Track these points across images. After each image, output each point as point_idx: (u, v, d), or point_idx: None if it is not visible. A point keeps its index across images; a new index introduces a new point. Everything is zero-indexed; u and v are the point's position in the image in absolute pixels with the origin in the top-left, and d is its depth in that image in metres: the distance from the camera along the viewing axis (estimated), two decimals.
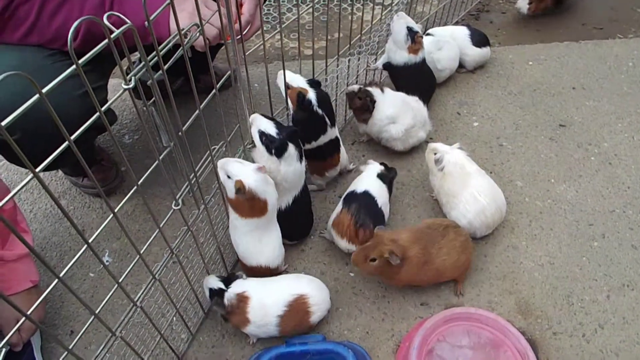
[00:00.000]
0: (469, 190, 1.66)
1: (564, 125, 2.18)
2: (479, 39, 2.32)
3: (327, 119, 1.69)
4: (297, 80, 1.64)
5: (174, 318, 1.56)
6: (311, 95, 1.63)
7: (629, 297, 1.63)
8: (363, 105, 1.88)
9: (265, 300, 1.43)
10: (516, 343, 1.43)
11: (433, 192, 1.84)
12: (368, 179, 1.69)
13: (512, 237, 1.78)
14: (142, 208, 1.86)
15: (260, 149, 1.50)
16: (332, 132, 1.75)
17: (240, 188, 1.34)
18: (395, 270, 1.48)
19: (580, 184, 1.96)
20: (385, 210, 1.69)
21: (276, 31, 1.40)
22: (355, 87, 1.89)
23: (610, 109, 2.26)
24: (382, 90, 1.89)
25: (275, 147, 1.48)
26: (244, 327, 1.44)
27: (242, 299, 1.42)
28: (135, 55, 0.91)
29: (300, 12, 1.53)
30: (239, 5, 1.39)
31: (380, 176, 1.70)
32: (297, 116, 1.66)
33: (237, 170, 1.35)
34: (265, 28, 1.54)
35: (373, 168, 1.72)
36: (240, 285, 1.44)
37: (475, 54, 2.33)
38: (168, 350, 1.43)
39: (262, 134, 1.49)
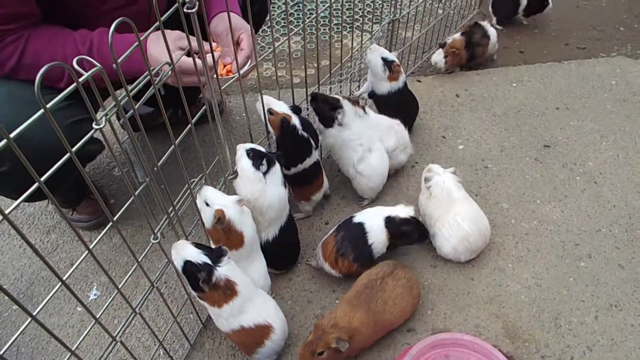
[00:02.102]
0: (451, 215, 1.67)
1: (548, 145, 2.20)
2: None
3: (312, 141, 1.71)
4: (280, 107, 1.66)
5: (161, 351, 1.56)
6: (295, 120, 1.65)
7: (617, 317, 1.62)
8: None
9: (245, 306, 1.36)
10: None
11: (419, 217, 1.85)
12: (372, 214, 1.66)
13: (498, 260, 1.78)
14: (131, 240, 1.87)
15: (246, 168, 1.50)
16: (315, 154, 1.76)
17: (220, 218, 1.35)
18: (348, 350, 1.39)
19: (566, 204, 1.97)
20: (376, 250, 1.64)
21: (253, 64, 1.43)
22: (340, 98, 1.89)
23: (595, 128, 2.28)
24: (364, 110, 1.90)
25: (266, 160, 1.49)
26: (212, 306, 1.33)
27: (229, 286, 1.31)
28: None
29: (278, 44, 1.56)
30: (237, 44, 1.43)
31: (388, 220, 1.63)
32: (281, 141, 1.68)
33: (217, 199, 1.37)
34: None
35: (390, 209, 1.67)
36: (232, 271, 1.31)
37: None
38: None
39: (250, 150, 1.50)
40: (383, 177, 1.90)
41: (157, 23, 0.95)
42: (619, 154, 2.15)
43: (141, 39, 0.89)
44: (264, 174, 1.50)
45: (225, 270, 1.28)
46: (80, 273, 1.78)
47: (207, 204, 1.36)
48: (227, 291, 1.29)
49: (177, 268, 1.28)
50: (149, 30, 0.93)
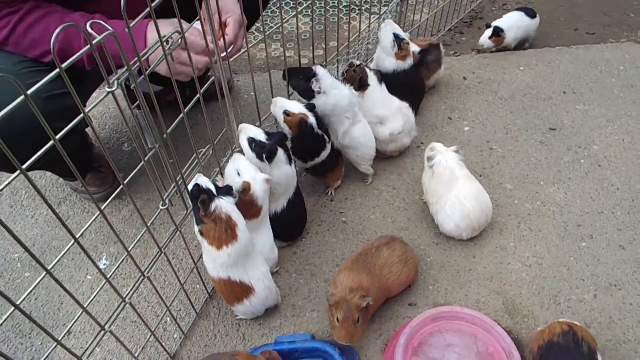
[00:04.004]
0: (454, 193, 1.69)
1: (554, 128, 2.21)
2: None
3: (325, 137, 1.75)
4: (296, 107, 1.67)
5: (168, 319, 1.61)
6: (311, 119, 1.68)
7: (616, 296, 1.64)
8: (350, 78, 1.86)
9: (240, 260, 1.41)
10: (501, 341, 1.44)
11: (423, 195, 1.88)
12: None
13: (500, 239, 1.80)
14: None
15: (250, 156, 1.55)
16: (329, 146, 1.79)
17: (245, 189, 1.43)
18: (371, 309, 1.46)
19: (570, 186, 1.98)
20: None
21: (259, 39, 1.45)
22: (356, 61, 1.91)
23: (601, 112, 2.28)
24: (379, 81, 1.92)
25: (266, 152, 1.52)
26: (211, 245, 1.37)
27: (230, 224, 1.35)
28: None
29: (284, 21, 1.58)
30: (223, 26, 1.45)
31: None
32: (298, 140, 1.70)
33: (249, 172, 1.46)
34: (260, 37, 1.60)
35: None
36: (236, 213, 1.36)
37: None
38: (161, 349, 1.47)
39: (252, 141, 1.54)
40: (369, 146, 1.91)
41: None
42: (624, 138, 2.16)
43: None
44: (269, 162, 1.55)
45: (227, 205, 1.33)
46: (89, 243, 1.82)
47: (238, 174, 1.45)
48: (228, 229, 1.33)
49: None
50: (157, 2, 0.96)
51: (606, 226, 1.84)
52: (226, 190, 1.34)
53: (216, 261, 1.39)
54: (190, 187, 1.33)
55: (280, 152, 1.57)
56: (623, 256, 1.75)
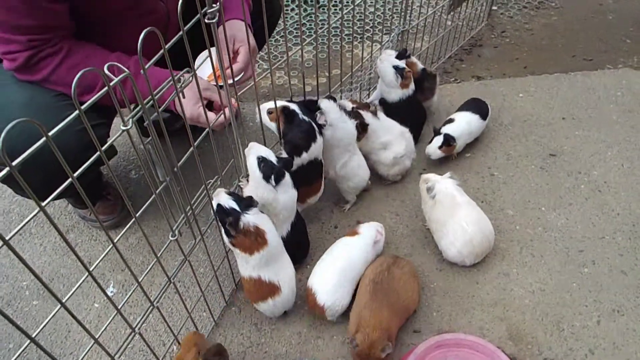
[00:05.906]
0: (456, 219, 1.72)
1: (554, 154, 2.24)
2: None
3: (314, 125, 1.71)
4: (278, 103, 1.70)
5: (175, 347, 1.62)
6: (293, 106, 1.70)
7: (619, 322, 1.66)
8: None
9: (271, 261, 1.50)
10: None
11: (426, 222, 1.90)
12: None
13: (503, 265, 1.82)
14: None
15: (257, 176, 1.54)
16: (320, 144, 1.76)
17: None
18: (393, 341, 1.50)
19: (571, 211, 2.01)
20: None
21: (267, 72, 1.50)
22: (348, 105, 1.91)
23: (600, 137, 2.32)
24: (376, 115, 1.97)
25: (275, 174, 1.54)
26: (244, 253, 1.45)
27: (259, 234, 1.43)
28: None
29: (291, 54, 1.63)
30: (234, 54, 1.50)
31: None
32: (288, 130, 1.70)
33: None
34: (265, 66, 1.65)
35: None
36: (262, 221, 1.44)
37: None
38: None
39: (261, 160, 1.54)
40: (363, 177, 1.96)
41: (180, 33, 1.02)
42: (624, 164, 2.19)
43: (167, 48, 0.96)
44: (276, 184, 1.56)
45: (253, 218, 1.40)
46: (97, 271, 1.85)
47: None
48: (258, 238, 1.40)
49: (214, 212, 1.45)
50: (172, 41, 1.00)
51: (608, 252, 1.86)
52: (248, 203, 1.41)
53: (249, 263, 1.47)
54: (214, 207, 1.41)
55: (287, 176, 1.59)
56: (625, 282, 1.77)
